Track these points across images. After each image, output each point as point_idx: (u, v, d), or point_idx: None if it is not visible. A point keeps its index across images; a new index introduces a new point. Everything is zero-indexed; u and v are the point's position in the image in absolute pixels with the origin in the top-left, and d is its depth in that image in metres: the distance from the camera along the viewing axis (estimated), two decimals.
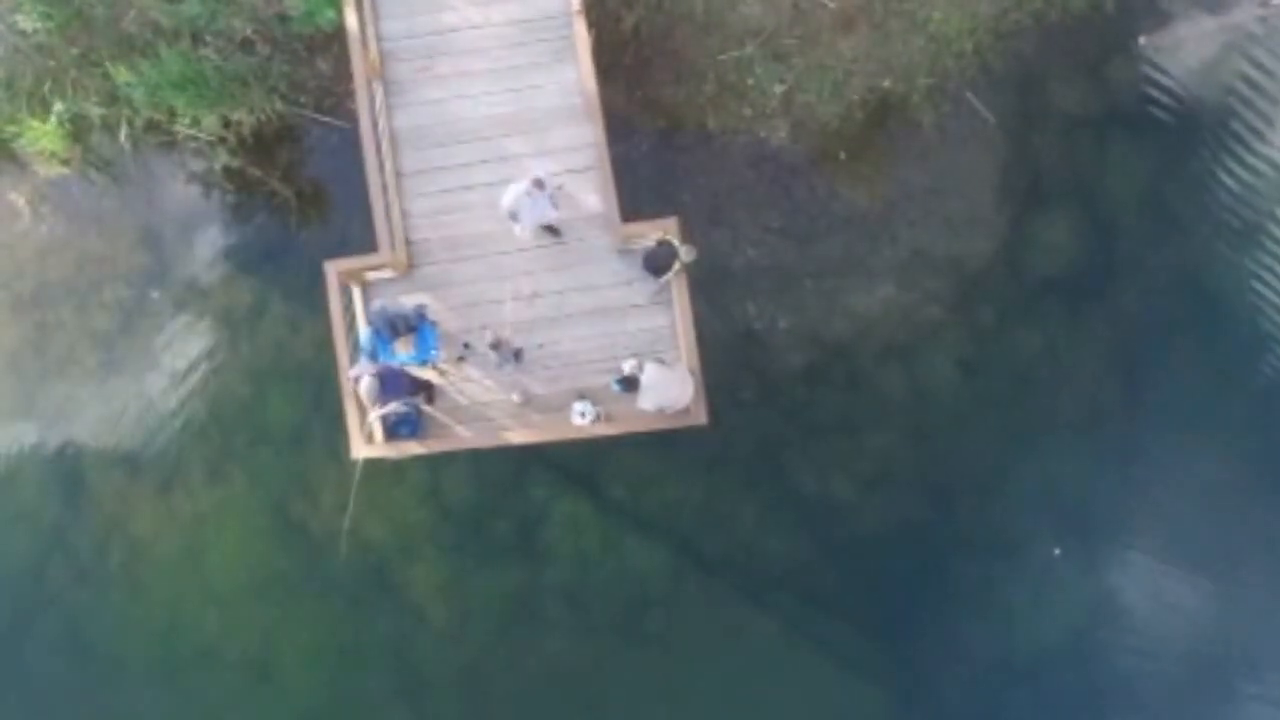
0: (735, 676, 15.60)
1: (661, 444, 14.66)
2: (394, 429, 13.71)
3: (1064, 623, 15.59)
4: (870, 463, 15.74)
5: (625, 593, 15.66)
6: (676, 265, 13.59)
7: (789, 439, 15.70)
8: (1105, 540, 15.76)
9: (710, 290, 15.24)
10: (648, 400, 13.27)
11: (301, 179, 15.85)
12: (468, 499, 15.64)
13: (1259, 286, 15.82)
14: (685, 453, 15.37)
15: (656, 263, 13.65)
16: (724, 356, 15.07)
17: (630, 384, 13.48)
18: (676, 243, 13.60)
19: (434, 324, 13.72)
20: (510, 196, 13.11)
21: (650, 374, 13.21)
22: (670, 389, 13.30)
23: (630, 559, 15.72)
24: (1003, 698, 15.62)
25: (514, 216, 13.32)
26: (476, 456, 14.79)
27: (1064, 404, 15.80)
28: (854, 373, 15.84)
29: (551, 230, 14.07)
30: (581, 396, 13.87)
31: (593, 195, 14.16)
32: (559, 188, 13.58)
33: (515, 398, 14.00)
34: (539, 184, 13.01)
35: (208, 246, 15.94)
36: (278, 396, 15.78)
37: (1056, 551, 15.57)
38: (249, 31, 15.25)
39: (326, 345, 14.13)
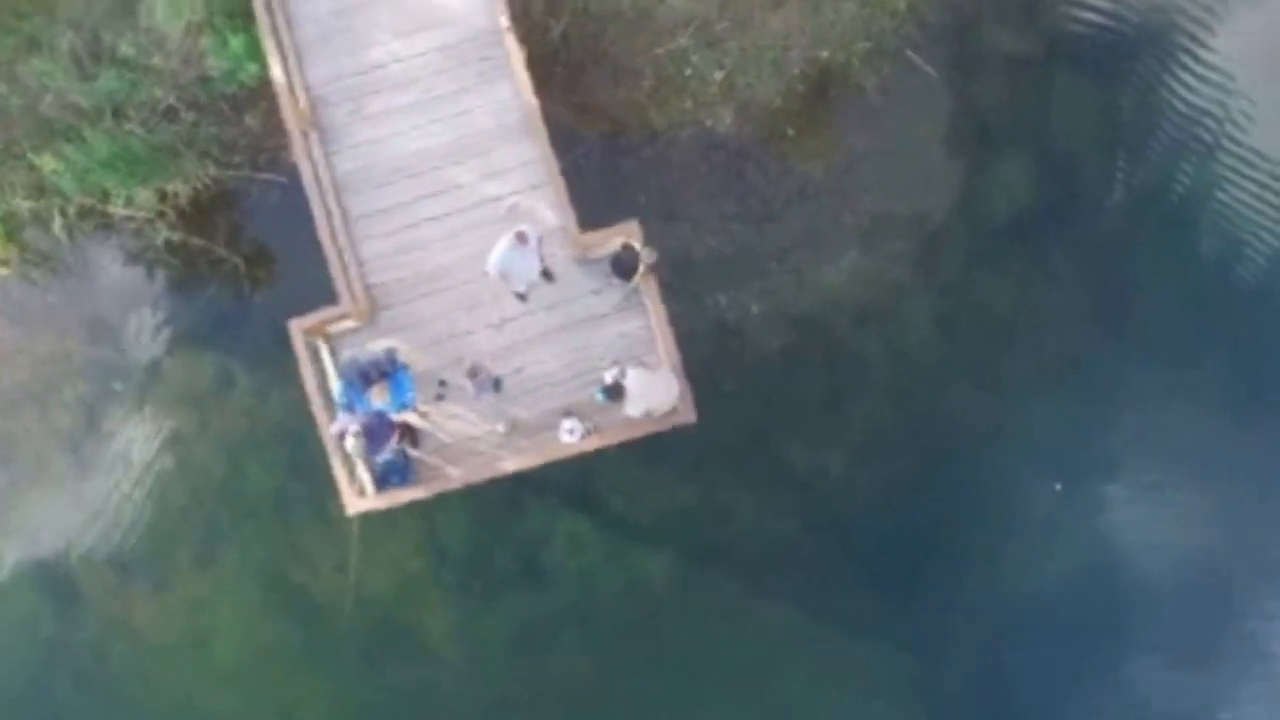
0: (757, 665, 15.84)
1: (650, 448, 14.82)
2: (384, 478, 13.93)
3: (1074, 556, 15.96)
4: (860, 431, 16.10)
5: (636, 602, 15.88)
6: (642, 268, 13.91)
7: (776, 421, 16.03)
8: (1103, 470, 16.17)
9: (678, 286, 15.43)
10: (635, 406, 13.57)
11: (247, 241, 15.99)
12: (465, 536, 15.82)
13: (1220, 196, 16.34)
14: (675, 452, 15.56)
15: (623, 267, 13.96)
16: (701, 350, 15.23)
17: (615, 392, 13.75)
18: (638, 246, 13.92)
19: (406, 366, 13.92)
20: (496, 258, 13.24)
21: (634, 379, 13.51)
22: (656, 391, 13.60)
23: (636, 568, 15.96)
24: (1022, 638, 15.93)
25: (505, 277, 13.53)
26: (467, 492, 14.86)
27: (1044, 343, 16.26)
28: (832, 345, 16.22)
29: (546, 276, 14.29)
30: (568, 414, 14.16)
31: (548, 210, 14.46)
32: (541, 239, 13.68)
33: (501, 427, 14.25)
34: (522, 237, 13.08)
35: (162, 327, 16.02)
36: (256, 467, 15.88)
37: (1057, 487, 15.99)
38: (172, 99, 15.35)
39: (298, 407, 14.30)
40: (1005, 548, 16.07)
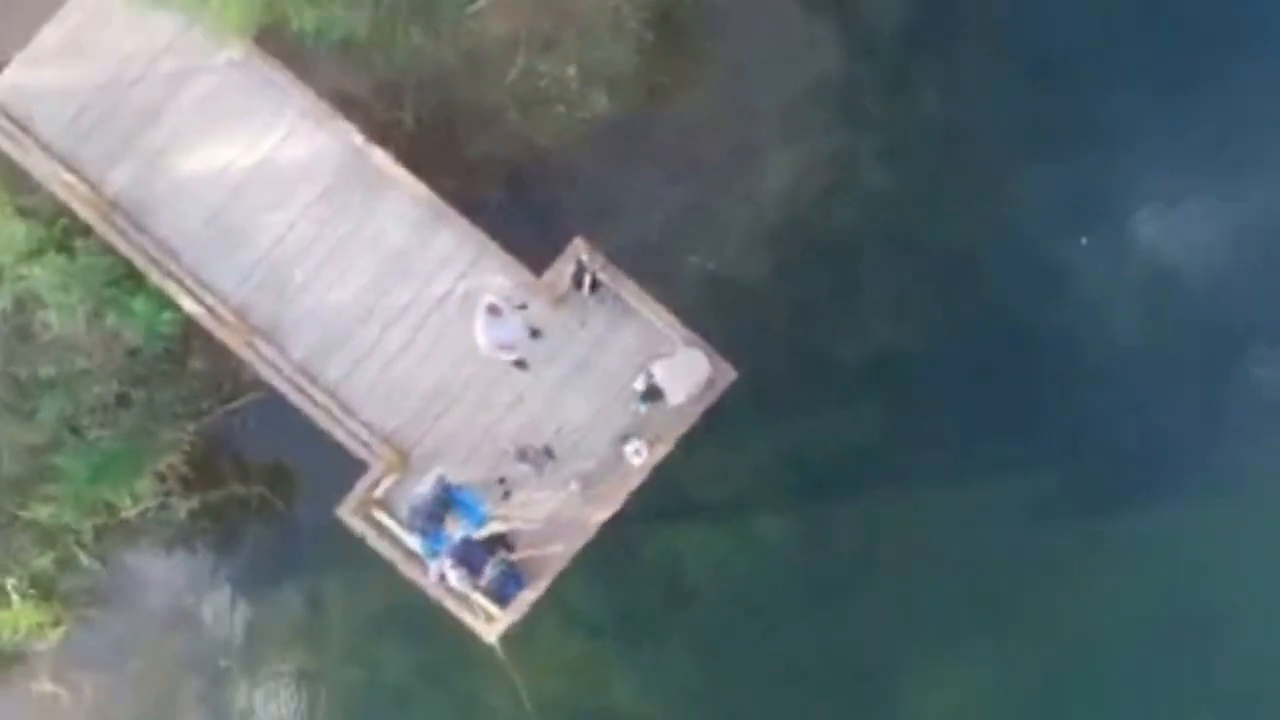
0: (914, 556, 15.97)
1: (709, 425, 15.01)
2: (502, 592, 14.06)
3: (1136, 295, 16.09)
4: (887, 295, 16.31)
5: (789, 566, 16.07)
6: (587, 276, 14.23)
7: (807, 332, 16.24)
8: (1117, 204, 16.30)
9: (651, 269, 15.36)
10: (677, 395, 13.91)
11: (258, 467, 16.34)
12: (601, 601, 16.07)
13: None
14: (734, 415, 15.55)
15: (580, 282, 14.31)
16: (704, 313, 15.17)
17: (652, 394, 14.06)
18: (585, 257, 14.20)
19: (463, 485, 14.13)
20: (483, 338, 13.56)
21: (661, 372, 13.88)
22: (687, 371, 13.92)
23: (768, 538, 16.19)
24: (1132, 395, 16.01)
25: (503, 349, 13.83)
26: (578, 562, 15.11)
27: (1005, 117, 16.36)
28: (816, 239, 16.40)
29: (534, 334, 14.54)
30: (625, 439, 14.35)
31: (498, 277, 14.70)
32: (508, 299, 13.96)
33: (574, 486, 14.42)
34: (494, 309, 13.39)
35: (230, 588, 16.39)
36: (388, 655, 16.17)
37: (1084, 241, 16.12)
38: (115, 388, 15.46)
39: (391, 580, 14.47)
40: (1072, 322, 16.17)
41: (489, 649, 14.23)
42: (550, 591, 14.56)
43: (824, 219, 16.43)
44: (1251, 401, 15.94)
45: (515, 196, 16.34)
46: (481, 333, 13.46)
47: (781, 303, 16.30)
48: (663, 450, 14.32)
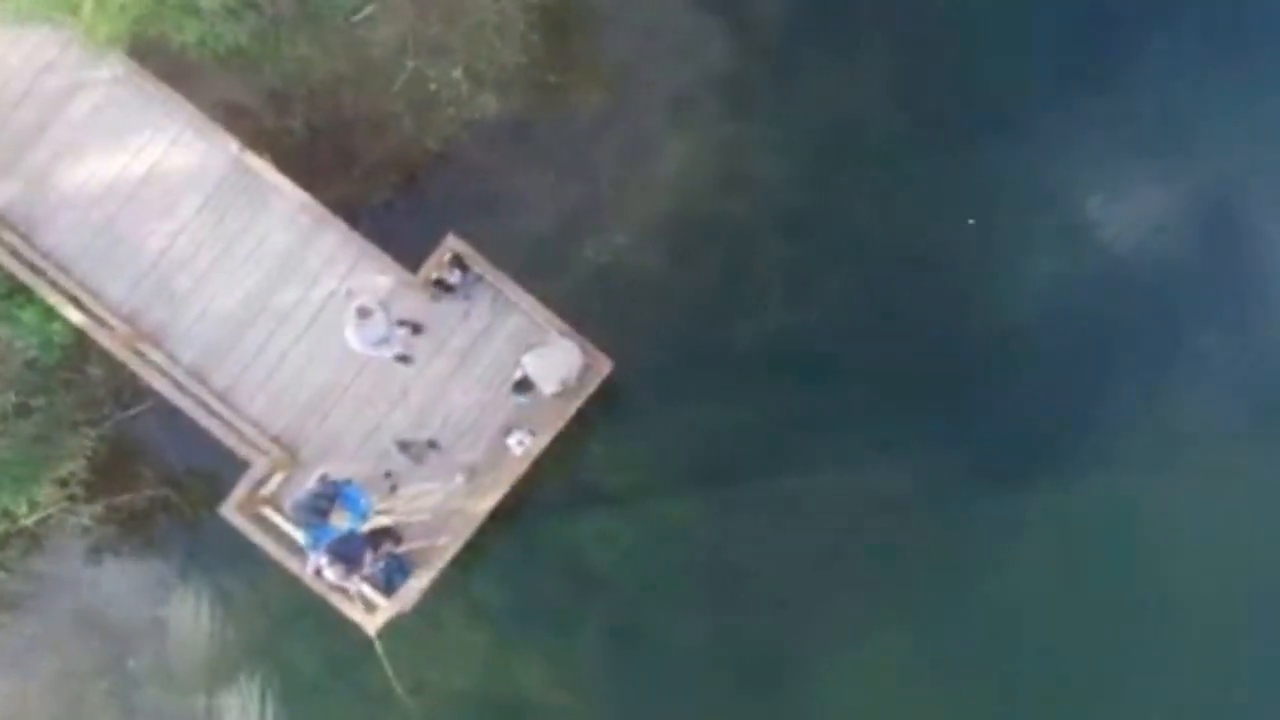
0: (824, 529, 16.26)
1: (606, 415, 15.54)
2: (389, 583, 14.46)
3: (1024, 278, 16.43)
4: (781, 283, 16.55)
5: (697, 548, 16.35)
6: (457, 273, 14.73)
7: (702, 323, 16.50)
8: (1011, 189, 16.59)
9: (543, 266, 15.96)
10: (549, 385, 14.25)
11: (162, 470, 16.59)
12: (507, 595, 16.35)
13: None
14: (637, 405, 16.22)
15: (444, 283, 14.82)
16: (595, 305, 15.78)
17: (524, 386, 14.45)
18: (448, 257, 14.71)
19: (348, 480, 14.50)
20: (355, 341, 14.08)
21: (531, 364, 14.26)
22: (558, 364, 14.29)
23: (674, 520, 16.36)
24: (1045, 368, 16.32)
25: (376, 347, 14.36)
26: (480, 554, 15.50)
27: (894, 102, 16.70)
28: (709, 228, 16.69)
29: (416, 330, 15.06)
30: (508, 430, 14.75)
31: (379, 277, 15.14)
32: (384, 304, 14.37)
33: (460, 479, 14.84)
34: (363, 311, 13.87)
35: (139, 588, 16.65)
36: (298, 650, 16.47)
37: (970, 222, 16.42)
38: (13, 398, 15.72)
39: (298, 577, 14.71)
40: (967, 303, 16.45)
41: (398, 641, 14.64)
42: (453, 584, 14.96)
43: (715, 209, 16.71)
44: (1159, 377, 16.26)
45: (408, 199, 16.69)
46: (353, 335, 13.91)
47: (675, 293, 16.57)
48: (544, 440, 14.69)
